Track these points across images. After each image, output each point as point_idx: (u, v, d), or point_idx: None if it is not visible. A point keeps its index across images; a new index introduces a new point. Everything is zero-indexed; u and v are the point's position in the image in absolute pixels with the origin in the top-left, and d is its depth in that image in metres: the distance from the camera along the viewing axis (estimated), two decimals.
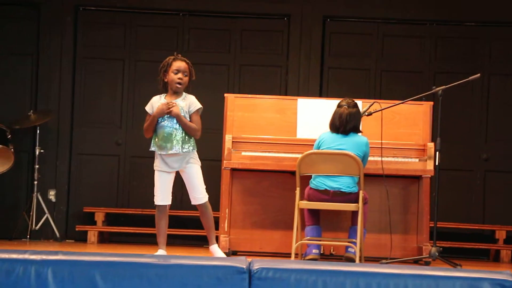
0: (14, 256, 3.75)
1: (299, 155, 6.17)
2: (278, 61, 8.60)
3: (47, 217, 8.06)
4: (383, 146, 6.48)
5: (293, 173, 6.28)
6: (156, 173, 5.76)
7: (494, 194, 8.37)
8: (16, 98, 8.51)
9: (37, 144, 8.18)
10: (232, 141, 6.61)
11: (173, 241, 7.75)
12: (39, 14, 8.56)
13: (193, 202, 5.79)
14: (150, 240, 7.53)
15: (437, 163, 6.28)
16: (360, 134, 6.34)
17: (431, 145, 6.56)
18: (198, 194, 5.75)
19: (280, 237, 6.80)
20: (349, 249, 6.23)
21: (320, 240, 6.33)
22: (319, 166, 6.11)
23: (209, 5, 8.59)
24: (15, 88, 8.52)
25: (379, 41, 8.58)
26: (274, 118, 6.88)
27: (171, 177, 5.76)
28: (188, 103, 5.74)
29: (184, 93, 5.79)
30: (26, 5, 8.59)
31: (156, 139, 5.72)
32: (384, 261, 6.30)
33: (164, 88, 5.82)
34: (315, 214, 6.38)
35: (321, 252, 6.40)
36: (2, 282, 3.68)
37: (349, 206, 6.11)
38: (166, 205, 5.78)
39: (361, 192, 6.07)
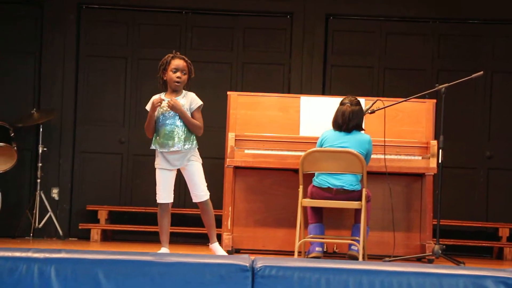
0: (17, 254, 3.75)
1: (302, 153, 6.16)
2: (280, 59, 8.59)
3: (50, 215, 8.05)
4: (386, 144, 6.47)
5: (296, 171, 6.28)
6: (157, 171, 5.75)
7: (497, 191, 8.36)
8: (19, 97, 8.51)
9: (40, 142, 8.17)
10: (235, 139, 6.60)
11: (176, 239, 7.76)
12: (42, 12, 8.56)
13: (194, 200, 5.78)
14: (153, 238, 7.55)
15: (440, 161, 6.26)
16: (363, 132, 6.34)
17: (434, 143, 6.55)
18: (199, 191, 5.74)
19: (283, 235, 6.80)
20: (352, 247, 6.22)
21: (323, 238, 6.33)
22: (322, 164, 6.11)
23: (211, 3, 8.58)
24: (18, 86, 8.52)
25: (382, 39, 8.57)
26: (277, 116, 6.88)
27: (173, 174, 5.75)
28: (189, 101, 5.72)
29: (183, 90, 5.78)
30: (29, 3, 8.59)
31: (158, 137, 5.71)
32: (387, 259, 6.30)
33: (163, 86, 5.81)
34: (318, 212, 6.38)
35: (324, 250, 6.39)
36: (5, 280, 3.68)
37: (352, 204, 6.11)
38: (168, 203, 5.77)
39: (364, 190, 6.06)
